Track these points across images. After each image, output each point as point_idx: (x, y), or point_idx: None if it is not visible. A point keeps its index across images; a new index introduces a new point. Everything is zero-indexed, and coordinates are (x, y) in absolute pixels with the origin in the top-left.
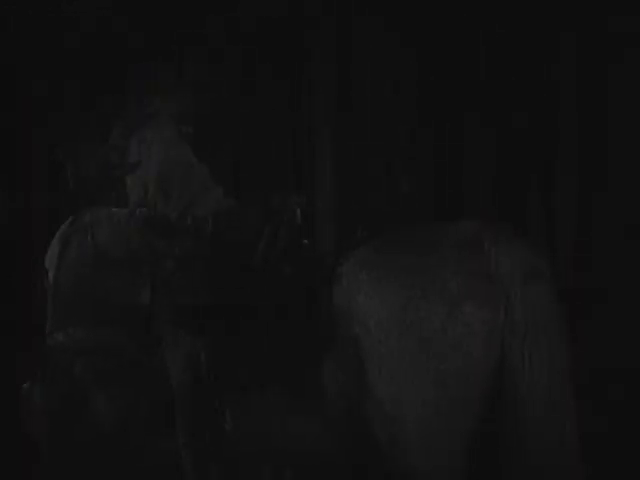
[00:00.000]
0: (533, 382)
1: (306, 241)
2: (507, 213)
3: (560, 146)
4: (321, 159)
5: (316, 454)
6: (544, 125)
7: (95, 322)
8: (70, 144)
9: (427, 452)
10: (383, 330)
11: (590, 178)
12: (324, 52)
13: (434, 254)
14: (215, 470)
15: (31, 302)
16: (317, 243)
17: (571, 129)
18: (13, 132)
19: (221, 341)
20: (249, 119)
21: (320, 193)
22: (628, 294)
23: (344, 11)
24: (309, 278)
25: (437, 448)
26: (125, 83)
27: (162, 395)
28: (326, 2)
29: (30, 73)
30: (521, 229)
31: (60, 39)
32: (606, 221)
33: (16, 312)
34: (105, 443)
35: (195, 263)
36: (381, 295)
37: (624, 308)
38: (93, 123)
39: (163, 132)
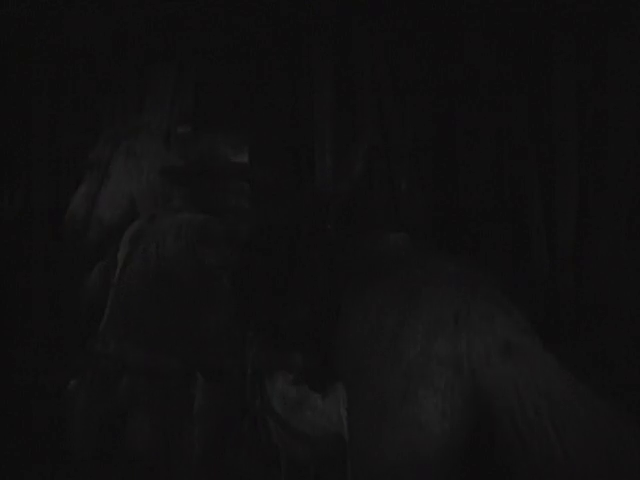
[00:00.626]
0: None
1: (329, 226)
2: (506, 211)
3: (560, 146)
4: (321, 156)
5: None
6: (544, 124)
7: (151, 343)
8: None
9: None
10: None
11: (589, 178)
12: (323, 50)
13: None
14: None
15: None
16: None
17: (571, 128)
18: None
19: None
20: (250, 118)
21: (319, 178)
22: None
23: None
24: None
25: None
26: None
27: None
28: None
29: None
30: (520, 231)
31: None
32: (605, 221)
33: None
34: (134, 463)
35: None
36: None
37: (624, 312)
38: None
39: (152, 145)
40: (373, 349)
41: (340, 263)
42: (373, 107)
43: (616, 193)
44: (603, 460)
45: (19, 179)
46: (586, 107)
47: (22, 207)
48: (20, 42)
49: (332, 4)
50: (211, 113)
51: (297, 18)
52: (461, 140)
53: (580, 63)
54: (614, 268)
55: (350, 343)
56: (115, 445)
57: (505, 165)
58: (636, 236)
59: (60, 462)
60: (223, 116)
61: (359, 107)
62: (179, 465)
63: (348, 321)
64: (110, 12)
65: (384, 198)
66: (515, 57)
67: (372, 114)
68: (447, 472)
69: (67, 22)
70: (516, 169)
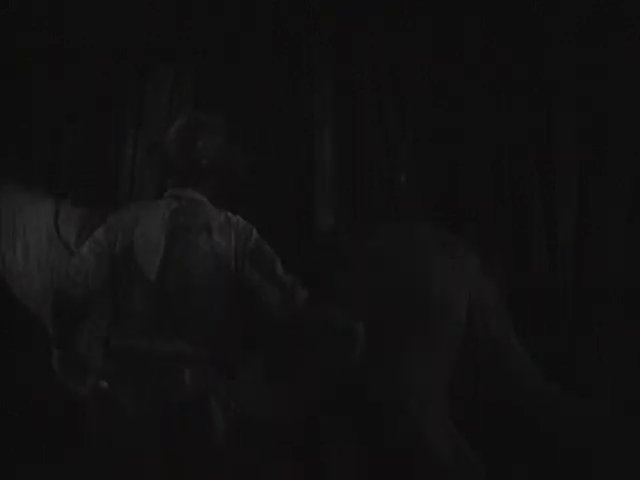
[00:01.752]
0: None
1: None
2: (506, 207)
3: (559, 142)
4: (320, 151)
5: None
6: (544, 124)
7: (199, 337)
8: None
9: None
10: None
11: (589, 177)
12: (323, 47)
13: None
14: None
15: None
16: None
17: (570, 123)
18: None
19: None
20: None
21: (319, 185)
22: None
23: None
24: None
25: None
26: None
27: None
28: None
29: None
30: (520, 225)
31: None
32: (605, 219)
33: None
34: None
35: None
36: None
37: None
38: None
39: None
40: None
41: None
42: (373, 106)
43: (616, 192)
44: None
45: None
46: (586, 107)
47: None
48: (20, 41)
49: (332, 4)
50: (209, 108)
51: (297, 18)
52: (462, 138)
53: (580, 63)
54: (614, 266)
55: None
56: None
57: (505, 164)
58: (635, 235)
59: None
60: (222, 114)
61: (359, 105)
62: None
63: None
64: (111, 11)
65: (384, 191)
66: (515, 56)
67: (372, 112)
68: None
69: (67, 21)
70: (516, 168)
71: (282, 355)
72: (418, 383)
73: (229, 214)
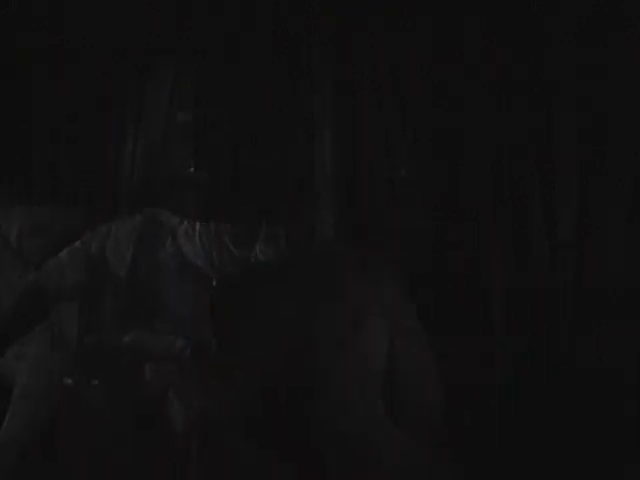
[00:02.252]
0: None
1: None
2: (506, 207)
3: (559, 142)
4: (320, 144)
5: None
6: (543, 121)
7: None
8: None
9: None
10: None
11: (589, 175)
12: (323, 47)
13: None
14: None
15: None
16: (316, 228)
17: (570, 123)
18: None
19: None
20: (248, 108)
21: (319, 178)
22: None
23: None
24: None
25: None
26: None
27: None
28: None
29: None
30: (520, 225)
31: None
32: (605, 217)
33: None
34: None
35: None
36: None
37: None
38: None
39: None
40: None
41: None
42: (373, 106)
43: (616, 192)
44: None
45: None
46: (586, 107)
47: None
48: (20, 38)
49: (332, 4)
50: (210, 101)
51: (297, 18)
52: (462, 138)
53: (580, 63)
54: (614, 264)
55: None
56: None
57: (505, 164)
58: (636, 233)
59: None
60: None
61: (359, 105)
62: None
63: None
64: (111, 11)
65: (384, 191)
66: (515, 56)
67: (372, 112)
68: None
69: (67, 19)
70: (516, 168)
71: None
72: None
73: (193, 222)
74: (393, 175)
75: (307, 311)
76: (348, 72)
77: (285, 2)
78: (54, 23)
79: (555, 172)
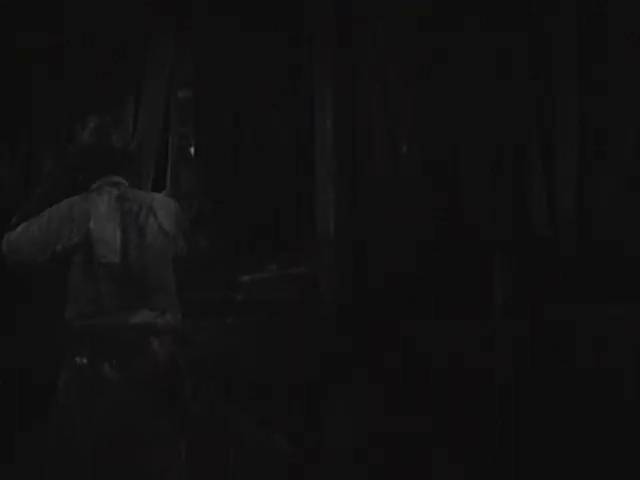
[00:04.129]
0: None
1: None
2: (507, 177)
3: (561, 110)
4: (322, 126)
5: None
6: (545, 89)
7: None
8: None
9: None
10: None
11: (590, 144)
12: (324, 21)
13: None
14: None
15: None
16: (318, 206)
17: (571, 93)
18: None
19: None
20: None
21: (321, 163)
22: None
23: None
24: None
25: None
26: None
27: None
28: None
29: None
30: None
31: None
32: (606, 183)
33: None
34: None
35: None
36: None
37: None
38: None
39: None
40: None
41: None
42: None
43: (616, 157)
44: None
45: (19, 145)
46: (587, 75)
47: (22, 173)
48: (19, 9)
49: None
50: (210, 78)
51: None
52: (462, 108)
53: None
54: (615, 230)
55: None
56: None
57: (505, 131)
58: (635, 200)
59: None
60: (223, 81)
61: (360, 75)
62: None
63: None
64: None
65: (385, 160)
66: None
67: (374, 82)
68: None
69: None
70: (517, 134)
71: None
72: None
73: (164, 197)
74: (395, 150)
75: None
76: (349, 43)
77: None
78: (54, 23)
79: (556, 136)
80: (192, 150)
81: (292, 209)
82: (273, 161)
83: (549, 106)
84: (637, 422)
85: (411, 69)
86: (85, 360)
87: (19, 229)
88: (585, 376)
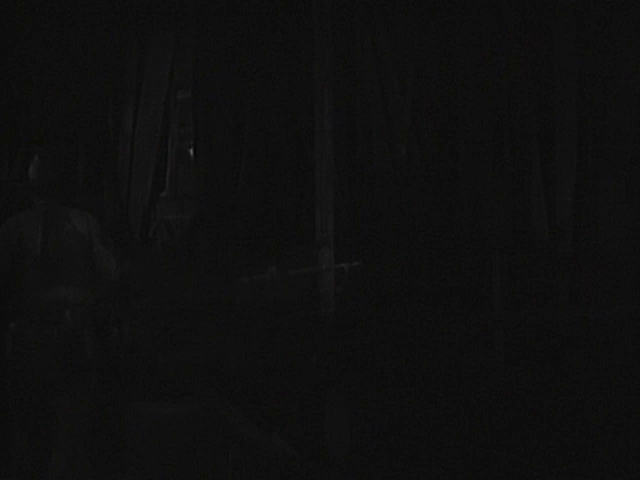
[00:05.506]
0: None
1: None
2: (506, 176)
3: (560, 108)
4: (322, 127)
5: None
6: (544, 87)
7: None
8: None
9: None
10: None
11: (589, 142)
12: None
13: None
14: None
15: None
16: (316, 208)
17: (570, 90)
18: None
19: None
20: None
21: (320, 163)
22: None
23: None
24: None
25: None
26: None
27: None
28: None
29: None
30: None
31: None
32: (604, 183)
33: None
34: None
35: None
36: None
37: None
38: None
39: None
40: None
41: None
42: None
43: (614, 156)
44: None
45: (18, 147)
46: (586, 69)
47: (21, 175)
48: (22, 5)
49: None
50: (210, 80)
51: None
52: (461, 106)
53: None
54: (612, 231)
55: None
56: None
57: (505, 133)
58: (634, 200)
59: None
60: (222, 83)
61: (360, 76)
62: None
63: None
64: None
65: (384, 163)
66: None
67: (373, 83)
68: None
69: None
70: (517, 135)
71: None
72: None
73: (80, 211)
74: (394, 152)
75: None
76: (350, 43)
77: None
78: None
79: (555, 137)
80: (191, 151)
81: (292, 210)
82: (273, 162)
83: (549, 106)
84: (637, 422)
85: (410, 69)
86: (14, 325)
87: None
88: (582, 378)
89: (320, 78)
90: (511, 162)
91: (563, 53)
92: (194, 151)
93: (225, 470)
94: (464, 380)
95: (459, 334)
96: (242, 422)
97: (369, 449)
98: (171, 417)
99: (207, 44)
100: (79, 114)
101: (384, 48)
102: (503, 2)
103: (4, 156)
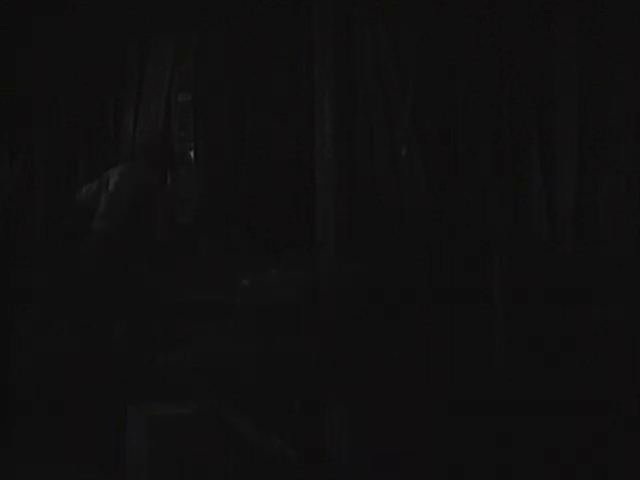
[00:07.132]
0: None
1: None
2: (507, 175)
3: (560, 106)
4: (322, 128)
5: None
6: (544, 84)
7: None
8: None
9: None
10: None
11: (589, 140)
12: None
13: None
14: None
15: None
16: (318, 209)
17: (570, 86)
18: None
19: None
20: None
21: (320, 165)
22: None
23: None
24: None
25: None
26: None
27: None
28: None
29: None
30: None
31: None
32: (605, 180)
33: None
34: None
35: None
36: None
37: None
38: None
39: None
40: None
41: None
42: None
43: (615, 156)
44: None
45: (19, 146)
46: (586, 70)
47: (22, 173)
48: (23, 6)
49: None
50: (210, 82)
51: None
52: (461, 106)
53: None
54: (614, 229)
55: None
56: None
57: (506, 133)
58: (634, 200)
59: None
60: (223, 85)
61: (360, 76)
62: None
63: None
64: None
65: (385, 164)
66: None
67: (373, 83)
68: None
69: None
70: (517, 135)
71: None
72: None
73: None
74: (394, 152)
75: None
76: (349, 42)
77: None
78: None
79: (555, 137)
80: (191, 154)
81: (292, 212)
82: (273, 163)
83: (549, 106)
84: (637, 422)
85: (411, 69)
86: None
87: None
88: (583, 377)
89: (320, 78)
90: (511, 162)
91: (564, 53)
92: (194, 153)
93: (225, 470)
94: (464, 380)
95: (459, 334)
96: (242, 422)
97: (369, 449)
98: (171, 417)
99: (208, 46)
100: (79, 114)
101: (384, 48)
102: (504, 2)
103: (4, 156)
